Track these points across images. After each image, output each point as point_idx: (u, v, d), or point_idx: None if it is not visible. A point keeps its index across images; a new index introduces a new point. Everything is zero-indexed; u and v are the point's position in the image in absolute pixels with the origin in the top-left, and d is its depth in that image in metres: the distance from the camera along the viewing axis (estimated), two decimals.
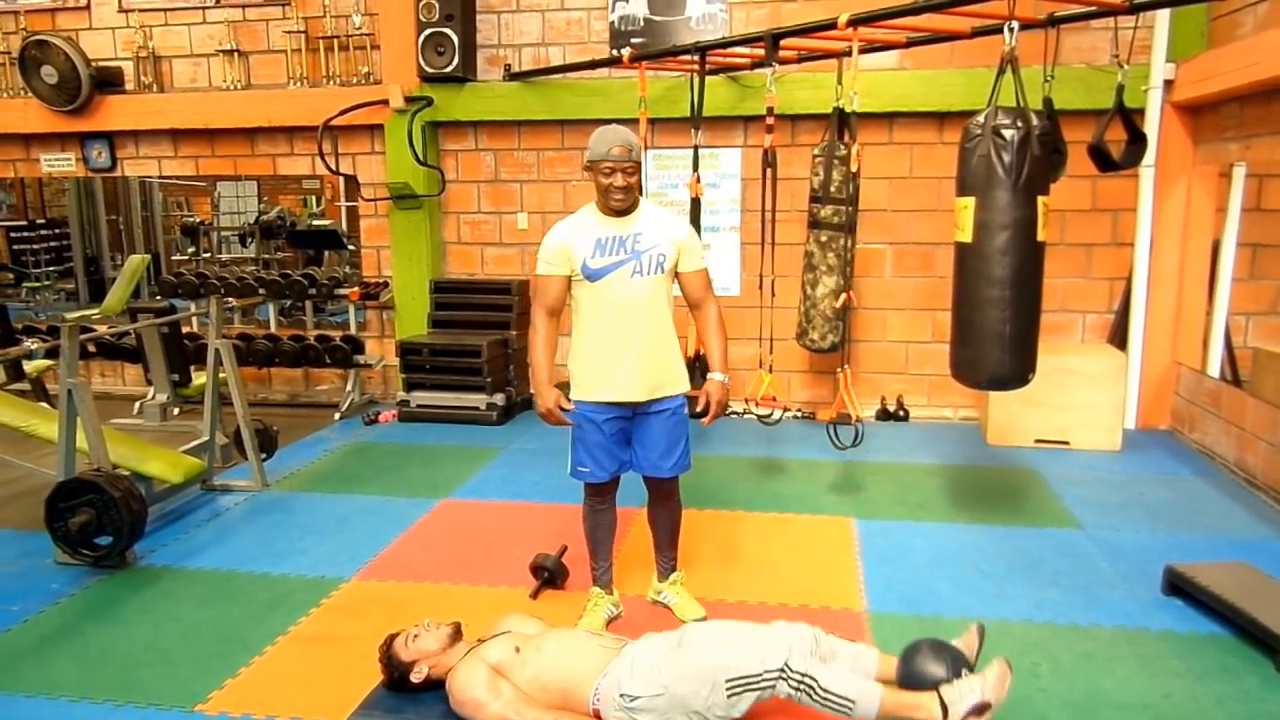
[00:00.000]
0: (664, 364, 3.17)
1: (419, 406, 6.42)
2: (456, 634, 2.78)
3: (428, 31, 6.20)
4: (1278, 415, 4.62)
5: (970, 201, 3.47)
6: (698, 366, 4.22)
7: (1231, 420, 5.08)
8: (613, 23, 6.31)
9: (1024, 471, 5.14)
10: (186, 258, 9.99)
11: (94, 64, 6.74)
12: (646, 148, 4.66)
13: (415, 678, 2.70)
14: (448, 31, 6.18)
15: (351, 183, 6.95)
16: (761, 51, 4.75)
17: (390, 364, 6.88)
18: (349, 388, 6.78)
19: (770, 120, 4.56)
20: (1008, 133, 3.35)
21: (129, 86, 6.91)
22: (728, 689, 2.46)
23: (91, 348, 6.93)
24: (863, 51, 4.26)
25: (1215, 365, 5.59)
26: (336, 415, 6.56)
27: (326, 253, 9.82)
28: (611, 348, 3.11)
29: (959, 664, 2.57)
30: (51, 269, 9.93)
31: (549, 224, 6.98)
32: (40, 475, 4.22)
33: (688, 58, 5.25)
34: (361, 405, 6.79)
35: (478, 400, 6.30)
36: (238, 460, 5.09)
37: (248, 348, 6.68)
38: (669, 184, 6.37)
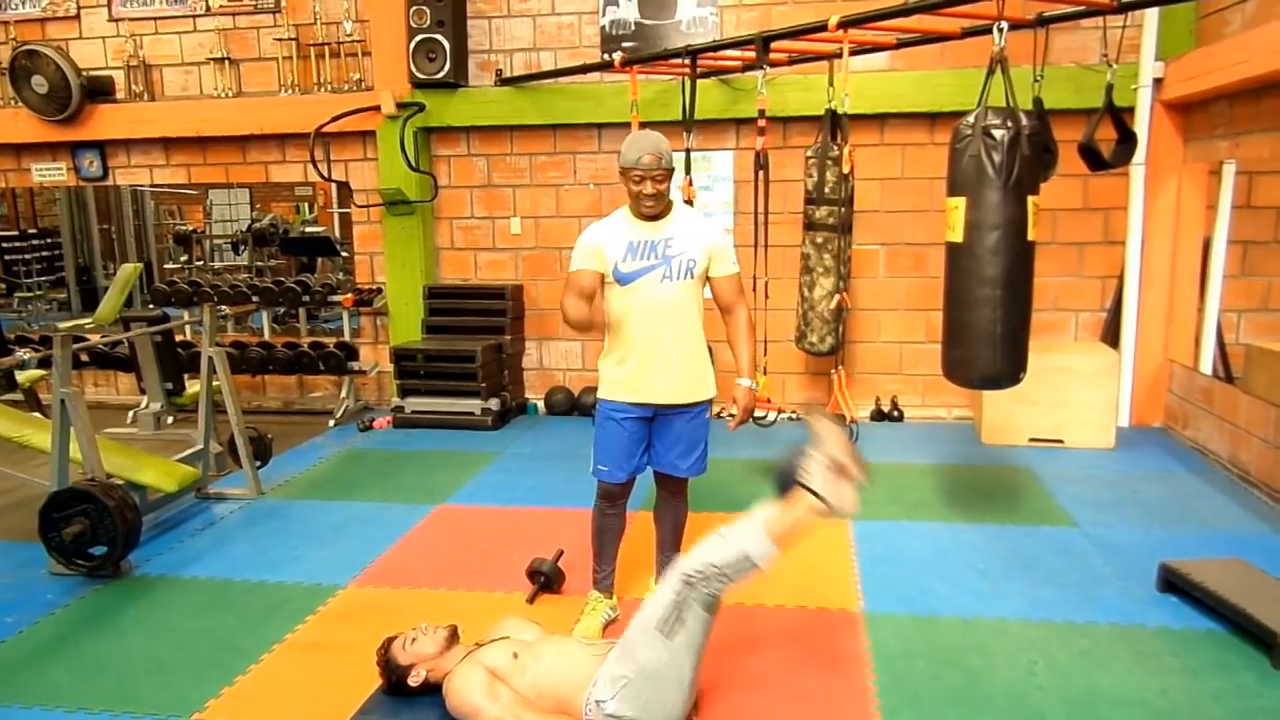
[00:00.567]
0: (692, 368, 3.19)
1: (414, 412, 6.41)
2: (453, 637, 2.78)
3: (419, 37, 6.20)
4: (1270, 411, 4.64)
5: (961, 201, 3.48)
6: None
7: (1224, 417, 5.10)
8: (604, 27, 6.32)
9: (1018, 470, 5.16)
10: (179, 266, 9.97)
11: (84, 73, 6.73)
12: None
13: (413, 681, 2.70)
14: (439, 37, 6.18)
15: (344, 189, 6.94)
16: (752, 54, 4.77)
17: (385, 370, 6.87)
18: (343, 394, 6.77)
19: (762, 123, 4.58)
20: (998, 133, 3.37)
21: (120, 95, 6.90)
22: (659, 630, 2.50)
23: (84, 357, 6.90)
24: (853, 53, 4.28)
25: (1208, 362, 5.61)
26: (331, 422, 6.55)
27: (320, 259, 9.81)
28: (640, 350, 3.13)
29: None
30: (43, 278, 9.90)
31: (542, 229, 7.01)
32: (34, 485, 4.20)
33: (679, 61, 5.26)
34: (356, 412, 6.78)
35: (473, 405, 6.29)
36: (232, 468, 5.07)
37: (241, 355, 6.67)
38: None
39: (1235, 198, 5.53)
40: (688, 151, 5.08)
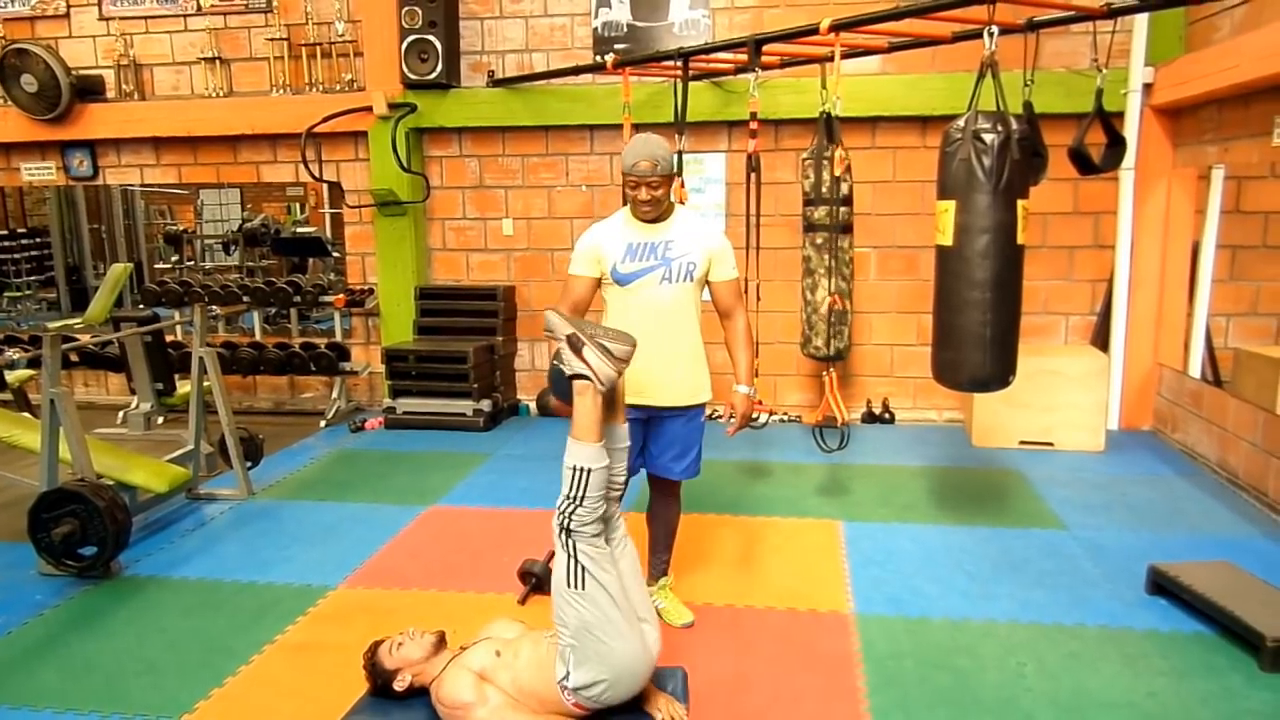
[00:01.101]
0: (688, 371, 3.19)
1: (405, 413, 6.40)
2: (440, 642, 2.77)
3: (411, 38, 6.20)
4: (1258, 415, 4.67)
5: (951, 205, 3.49)
6: None
7: (1213, 420, 5.13)
8: (596, 29, 6.32)
9: (1008, 473, 5.18)
10: (170, 266, 9.94)
11: (74, 72, 6.70)
12: None
13: (398, 686, 2.69)
14: (431, 38, 6.18)
15: (335, 190, 6.93)
16: (744, 57, 4.76)
17: (376, 371, 6.86)
18: (335, 395, 6.75)
19: (754, 125, 4.58)
20: (988, 137, 3.37)
21: (110, 94, 6.87)
22: (569, 586, 2.51)
23: (74, 357, 6.86)
24: (845, 56, 4.28)
25: (1196, 366, 5.65)
26: (322, 423, 6.53)
27: (311, 260, 9.79)
28: (639, 352, 3.12)
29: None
30: (33, 278, 9.84)
31: (534, 230, 7.00)
32: (23, 486, 4.19)
33: (671, 63, 5.25)
34: (347, 412, 6.77)
35: (464, 406, 6.29)
36: (223, 469, 5.06)
37: (232, 356, 6.65)
38: None
39: (1224, 202, 5.56)
40: (680, 153, 5.08)
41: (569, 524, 2.53)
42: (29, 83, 6.61)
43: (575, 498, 2.53)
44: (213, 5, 6.76)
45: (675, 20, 6.21)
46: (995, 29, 3.48)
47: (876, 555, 4.03)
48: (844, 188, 4.42)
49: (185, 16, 6.81)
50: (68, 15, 6.93)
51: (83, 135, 6.88)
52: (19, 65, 6.60)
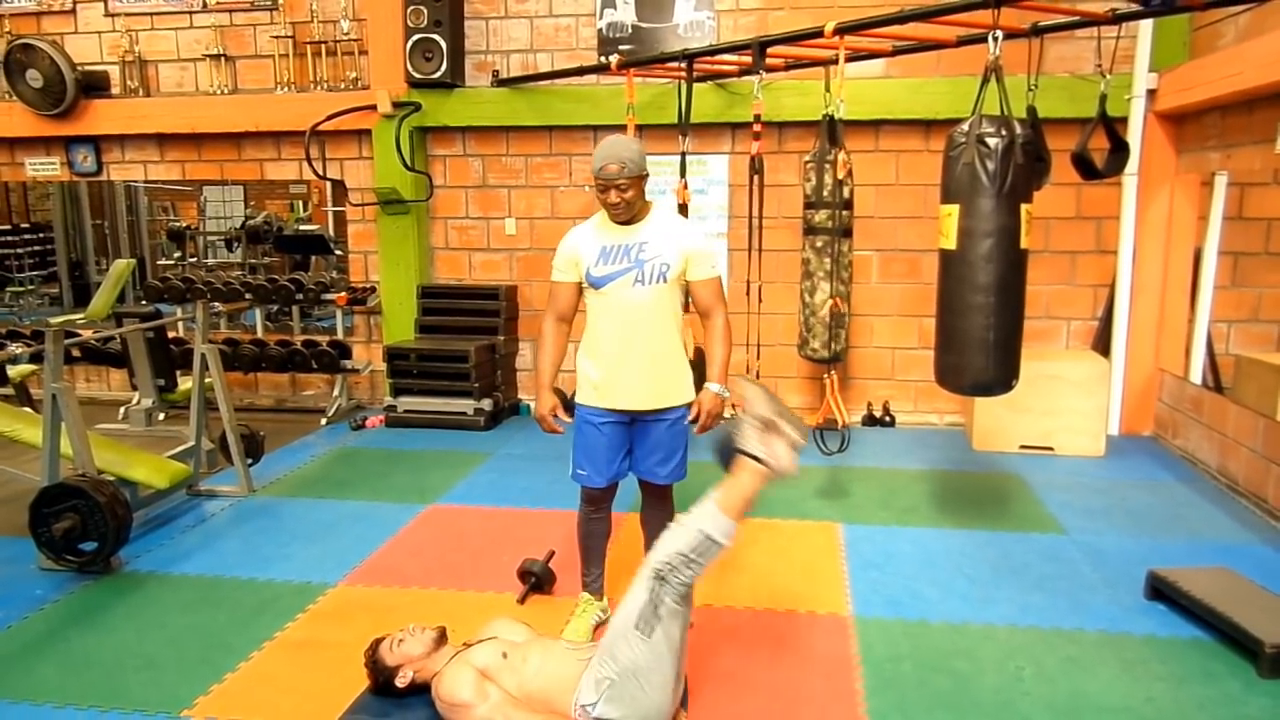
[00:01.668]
0: (666, 374, 3.17)
1: (406, 412, 6.41)
2: (441, 638, 2.78)
3: (416, 37, 6.20)
4: (1259, 421, 4.67)
5: (954, 209, 3.50)
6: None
7: (1213, 426, 5.13)
8: (601, 29, 6.33)
9: (1009, 477, 5.18)
10: (172, 262, 9.94)
11: (80, 68, 6.71)
12: None
13: (400, 682, 2.70)
14: (436, 37, 6.19)
15: (339, 188, 6.94)
16: (749, 59, 4.78)
17: (377, 369, 6.87)
18: (336, 393, 6.76)
19: (757, 127, 4.58)
20: (992, 141, 3.38)
21: (115, 91, 6.88)
22: (637, 629, 2.51)
23: (76, 353, 6.88)
24: (849, 59, 4.29)
25: (1197, 372, 5.65)
26: (323, 420, 6.54)
27: (314, 258, 9.79)
28: (614, 355, 3.12)
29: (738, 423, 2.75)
30: (36, 273, 9.86)
31: (537, 230, 7.01)
32: (24, 480, 4.20)
33: (675, 65, 5.27)
34: (348, 410, 6.77)
35: (465, 405, 6.29)
36: (224, 465, 5.06)
37: (234, 352, 6.65)
38: (656, 190, 6.37)
39: (1227, 209, 5.56)
40: (683, 155, 5.09)
41: (669, 576, 2.52)
42: (34, 78, 6.62)
43: (694, 561, 2.53)
44: (218, 2, 6.76)
45: (680, 22, 6.21)
46: (1000, 34, 3.49)
47: (876, 558, 4.03)
48: (845, 191, 4.42)
49: (190, 13, 6.82)
50: (73, 11, 6.94)
51: (87, 131, 6.89)
52: (24, 60, 6.61)
